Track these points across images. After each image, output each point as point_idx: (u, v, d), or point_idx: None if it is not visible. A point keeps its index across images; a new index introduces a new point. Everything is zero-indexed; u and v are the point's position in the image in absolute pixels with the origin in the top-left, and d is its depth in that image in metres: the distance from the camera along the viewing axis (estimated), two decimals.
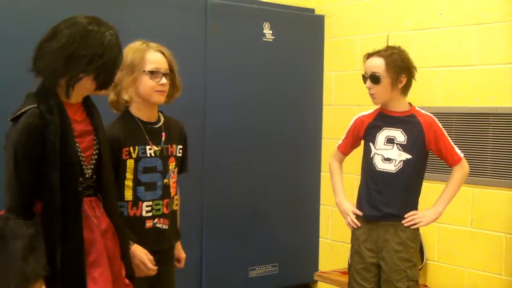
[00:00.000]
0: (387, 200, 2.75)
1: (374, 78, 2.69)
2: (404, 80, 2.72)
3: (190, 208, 3.56)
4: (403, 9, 3.84)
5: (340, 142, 2.98)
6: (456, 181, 2.80)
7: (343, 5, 4.19)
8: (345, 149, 2.97)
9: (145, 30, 3.35)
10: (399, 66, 2.69)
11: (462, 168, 2.79)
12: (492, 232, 3.41)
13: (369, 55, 2.76)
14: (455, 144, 2.79)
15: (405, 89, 2.77)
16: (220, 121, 3.71)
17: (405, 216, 2.75)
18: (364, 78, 2.76)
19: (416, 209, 2.82)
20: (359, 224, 2.81)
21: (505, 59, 3.36)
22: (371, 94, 2.75)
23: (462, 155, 2.77)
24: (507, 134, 3.34)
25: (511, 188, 3.33)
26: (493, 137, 3.39)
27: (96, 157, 2.07)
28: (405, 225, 2.74)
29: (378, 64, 2.69)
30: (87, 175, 2.04)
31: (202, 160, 3.63)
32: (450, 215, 3.56)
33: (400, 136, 2.74)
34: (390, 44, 2.82)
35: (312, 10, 4.34)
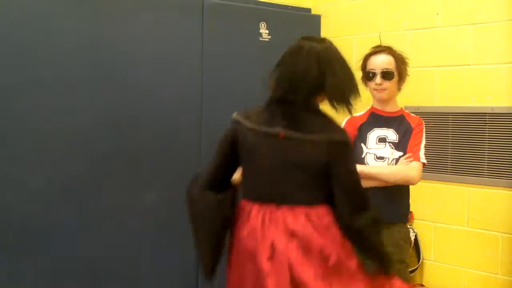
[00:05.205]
0: (381, 201, 2.74)
1: (387, 74, 2.73)
2: (406, 79, 2.79)
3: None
4: (399, 9, 3.84)
5: None
6: (395, 167, 2.69)
7: (340, 5, 4.19)
8: None
9: (142, 29, 3.35)
10: (405, 64, 2.78)
11: (410, 168, 2.67)
12: (488, 232, 3.41)
13: (375, 52, 2.78)
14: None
15: (401, 89, 2.83)
16: (217, 121, 3.68)
17: None
18: (371, 74, 2.76)
19: (409, 208, 2.83)
20: None
21: (501, 58, 3.37)
22: (382, 89, 2.75)
23: (422, 161, 2.70)
24: (503, 134, 3.35)
25: (507, 187, 3.34)
26: (489, 137, 3.40)
27: None
28: None
29: (389, 61, 2.75)
30: None
31: (199, 160, 3.62)
32: (447, 214, 3.56)
33: (392, 135, 2.75)
34: (382, 43, 2.85)
35: (309, 10, 4.33)
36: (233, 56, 3.77)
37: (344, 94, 2.06)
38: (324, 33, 4.25)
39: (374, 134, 2.78)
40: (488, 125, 3.40)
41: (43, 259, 2.99)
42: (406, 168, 2.66)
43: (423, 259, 3.66)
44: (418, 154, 2.70)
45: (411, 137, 2.74)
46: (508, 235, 3.35)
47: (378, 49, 2.79)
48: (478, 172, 3.42)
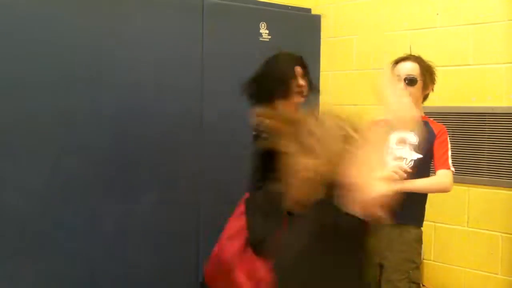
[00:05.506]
0: (398, 202, 2.71)
1: (410, 80, 2.76)
2: (432, 88, 2.81)
3: (186, 203, 3.55)
4: (399, 9, 3.84)
5: None
6: (429, 179, 2.74)
7: (340, 5, 4.19)
8: None
9: (142, 30, 3.35)
10: (431, 73, 2.80)
11: (442, 176, 2.72)
12: (488, 232, 3.41)
13: (402, 60, 2.81)
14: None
15: (426, 98, 2.85)
16: (217, 121, 3.70)
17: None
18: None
19: (424, 212, 2.82)
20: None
21: (501, 58, 3.37)
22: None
23: (452, 169, 2.74)
24: (503, 134, 3.35)
25: (507, 187, 3.34)
26: (489, 137, 3.40)
27: None
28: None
29: (413, 68, 2.78)
30: None
31: (199, 159, 3.63)
32: (447, 214, 3.56)
33: (412, 137, 2.75)
34: (390, 46, 2.85)
35: (309, 10, 4.33)
36: (233, 56, 3.77)
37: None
38: (324, 33, 4.26)
39: (395, 135, 2.79)
40: (488, 125, 3.40)
41: (43, 259, 3.00)
42: (439, 179, 2.72)
43: (423, 259, 3.66)
44: (448, 163, 2.72)
45: (437, 146, 2.74)
46: (508, 235, 3.35)
47: (405, 57, 2.83)
48: (478, 172, 3.42)
